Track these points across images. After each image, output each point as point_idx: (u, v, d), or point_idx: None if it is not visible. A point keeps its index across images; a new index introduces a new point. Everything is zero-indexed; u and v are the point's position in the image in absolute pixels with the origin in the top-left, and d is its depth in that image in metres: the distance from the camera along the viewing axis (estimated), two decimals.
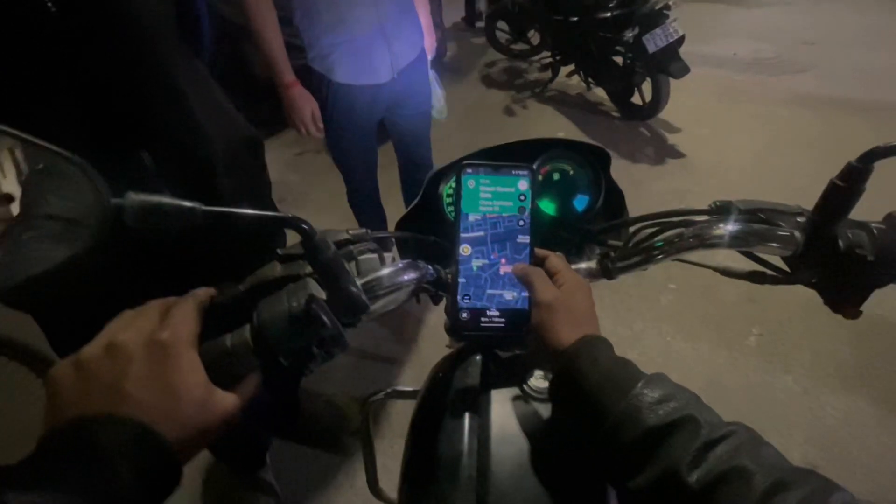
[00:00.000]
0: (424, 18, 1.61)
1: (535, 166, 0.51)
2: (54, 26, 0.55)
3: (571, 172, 0.67)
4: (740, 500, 0.30)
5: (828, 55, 4.10)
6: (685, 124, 3.17)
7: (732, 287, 0.53)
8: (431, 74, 1.71)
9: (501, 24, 4.20)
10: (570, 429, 0.41)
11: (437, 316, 1.95)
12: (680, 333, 1.85)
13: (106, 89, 0.61)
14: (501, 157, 0.52)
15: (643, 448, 0.34)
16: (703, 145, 2.97)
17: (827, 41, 4.37)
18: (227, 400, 0.35)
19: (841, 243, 0.43)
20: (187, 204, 0.32)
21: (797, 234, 0.46)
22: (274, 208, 1.06)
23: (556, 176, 0.67)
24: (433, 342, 1.87)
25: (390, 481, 0.88)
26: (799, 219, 0.47)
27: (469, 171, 0.50)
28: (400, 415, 1.56)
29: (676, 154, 2.92)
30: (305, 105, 1.49)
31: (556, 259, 0.49)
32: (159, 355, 0.32)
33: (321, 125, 1.53)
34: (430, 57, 1.68)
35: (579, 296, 0.46)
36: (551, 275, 0.47)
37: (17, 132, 0.29)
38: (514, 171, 0.50)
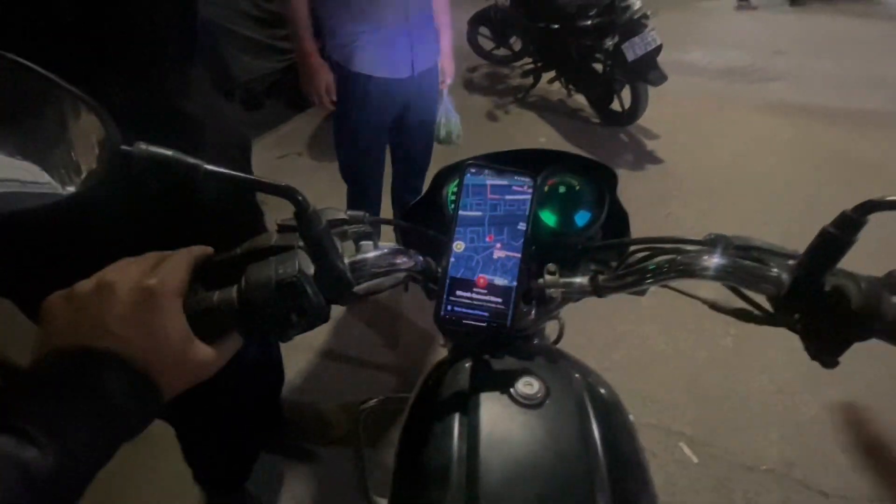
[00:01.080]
0: (446, 42, 1.66)
1: (542, 177, 0.52)
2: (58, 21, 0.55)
3: (577, 188, 0.68)
4: None
5: (798, 63, 4.25)
6: (663, 131, 3.25)
7: (711, 292, 0.54)
8: (448, 100, 1.76)
9: (483, 30, 4.24)
10: None
11: (428, 321, 1.96)
12: (661, 335, 1.89)
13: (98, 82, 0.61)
14: (508, 163, 0.52)
15: None
16: (681, 151, 3.04)
17: (797, 50, 4.53)
18: (205, 351, 0.37)
19: (826, 289, 0.43)
20: (191, 161, 0.34)
21: (784, 276, 0.46)
22: (257, 208, 1.06)
23: (561, 189, 0.68)
24: (427, 349, 1.87)
25: (380, 489, 0.88)
26: (791, 262, 0.47)
27: (472, 171, 0.51)
28: (391, 423, 1.56)
29: (655, 160, 2.99)
30: (322, 74, 1.52)
31: None
32: (144, 299, 0.34)
33: (334, 97, 1.56)
34: (449, 82, 1.73)
35: None
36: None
37: (44, 71, 0.31)
38: (516, 178, 0.51)
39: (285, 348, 1.85)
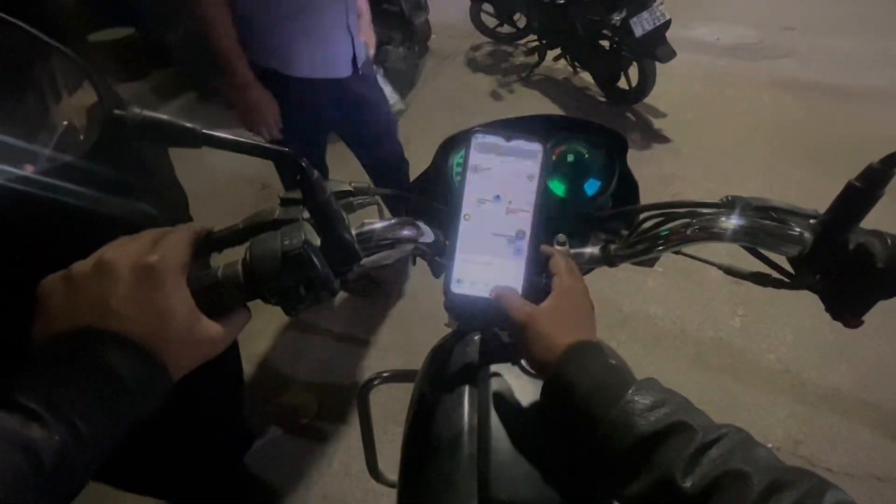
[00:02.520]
0: (364, 7, 1.52)
1: (549, 144, 0.49)
2: None
3: (586, 155, 0.66)
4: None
5: (808, 40, 4.16)
6: (670, 109, 3.20)
7: (718, 270, 0.52)
8: (375, 70, 1.66)
9: (487, 7, 4.14)
10: (565, 436, 0.40)
11: (430, 300, 1.95)
12: (667, 315, 1.88)
13: None
14: (515, 131, 0.50)
15: (636, 456, 0.34)
16: (688, 130, 3.00)
17: (807, 26, 4.43)
18: (212, 328, 0.36)
19: (850, 247, 0.42)
20: (188, 125, 0.34)
21: (807, 234, 0.45)
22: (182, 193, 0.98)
23: (570, 157, 0.66)
24: (427, 327, 1.86)
25: (384, 464, 0.89)
26: (812, 221, 0.46)
27: (479, 138, 0.49)
28: (393, 399, 1.56)
29: (662, 139, 2.94)
30: (268, 106, 1.32)
31: (558, 259, 0.48)
32: (146, 278, 0.33)
33: (281, 125, 1.38)
34: (372, 52, 1.59)
35: (571, 301, 0.45)
36: (551, 275, 0.47)
37: (34, 31, 0.32)
38: (525, 145, 0.49)
39: (286, 330, 1.86)
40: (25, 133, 0.37)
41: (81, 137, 0.38)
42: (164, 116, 0.33)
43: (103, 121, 0.32)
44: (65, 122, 0.39)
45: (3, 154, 0.35)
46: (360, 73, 1.45)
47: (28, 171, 0.36)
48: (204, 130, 0.34)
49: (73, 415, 0.28)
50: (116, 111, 0.32)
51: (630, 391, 0.37)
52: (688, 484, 0.31)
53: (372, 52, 1.58)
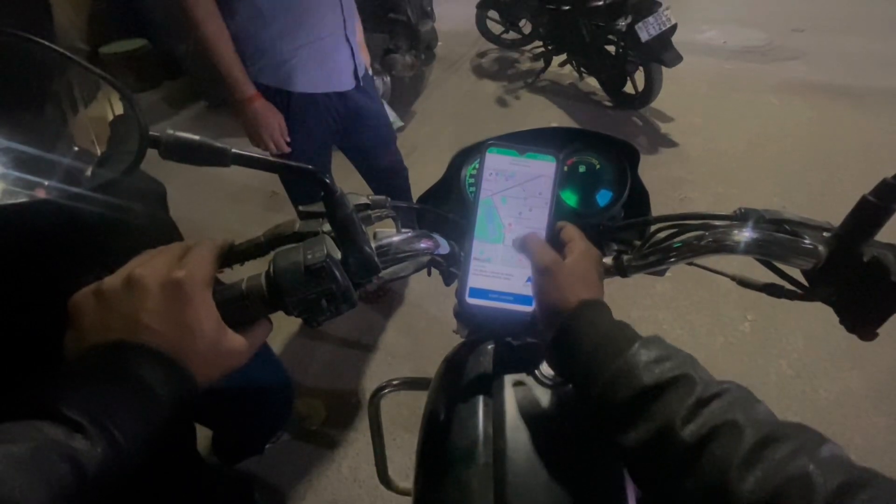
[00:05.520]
0: (358, 28, 1.52)
1: (561, 156, 0.50)
2: None
3: (598, 166, 0.66)
4: (731, 453, 0.30)
5: (817, 42, 4.13)
6: (677, 113, 3.19)
7: (737, 270, 0.53)
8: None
9: (493, 14, 4.17)
10: (571, 392, 0.41)
11: (436, 306, 1.96)
12: (676, 320, 1.87)
13: None
14: (528, 142, 0.51)
15: (638, 405, 0.35)
16: (696, 134, 2.99)
17: (816, 28, 4.40)
18: (237, 341, 0.37)
19: (865, 260, 0.42)
20: (218, 145, 0.35)
21: (821, 247, 0.45)
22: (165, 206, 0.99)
23: (581, 168, 0.66)
24: (434, 333, 1.87)
25: (394, 471, 0.89)
26: (825, 234, 0.46)
27: (492, 151, 0.50)
28: (402, 406, 1.57)
29: (669, 143, 2.93)
30: (272, 118, 1.32)
31: (570, 228, 0.50)
32: (174, 292, 0.34)
33: (288, 138, 1.38)
34: (370, 72, 1.63)
35: (586, 263, 0.46)
36: (564, 243, 0.48)
37: (72, 55, 0.33)
38: (538, 157, 0.50)
39: (294, 337, 1.87)
40: (46, 147, 0.38)
41: (99, 152, 0.39)
42: (197, 137, 0.35)
43: (139, 143, 0.33)
44: (84, 138, 0.40)
45: (29, 169, 0.36)
46: (361, 84, 1.46)
47: (41, 190, 0.37)
48: (234, 150, 0.35)
49: (112, 427, 0.29)
50: (152, 133, 0.33)
51: (636, 345, 0.38)
52: (686, 432, 0.32)
53: (369, 70, 1.60)
